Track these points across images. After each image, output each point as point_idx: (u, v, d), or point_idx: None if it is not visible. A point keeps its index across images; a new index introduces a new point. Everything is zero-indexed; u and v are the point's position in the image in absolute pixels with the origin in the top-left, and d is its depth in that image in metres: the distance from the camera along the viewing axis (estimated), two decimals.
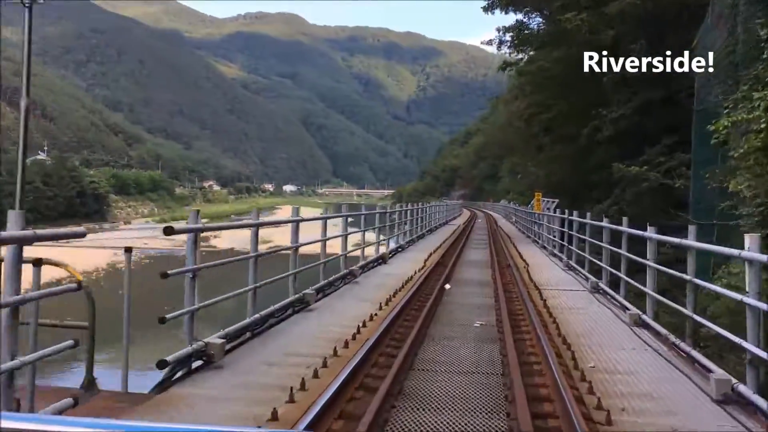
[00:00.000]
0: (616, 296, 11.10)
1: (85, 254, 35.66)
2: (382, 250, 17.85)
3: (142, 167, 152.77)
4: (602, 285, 12.41)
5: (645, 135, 22.81)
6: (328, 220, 13.02)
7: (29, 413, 3.85)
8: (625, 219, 11.68)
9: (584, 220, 15.34)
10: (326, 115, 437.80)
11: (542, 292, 12.09)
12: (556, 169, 35.25)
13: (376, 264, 16.27)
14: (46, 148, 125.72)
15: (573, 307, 10.72)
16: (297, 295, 9.67)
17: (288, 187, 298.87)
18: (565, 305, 10.83)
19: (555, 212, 21.47)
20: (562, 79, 28.60)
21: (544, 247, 22.90)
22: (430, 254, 18.98)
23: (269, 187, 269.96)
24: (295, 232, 9.95)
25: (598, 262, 13.15)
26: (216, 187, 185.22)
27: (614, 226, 12.31)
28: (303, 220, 10.32)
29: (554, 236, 20.97)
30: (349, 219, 16.13)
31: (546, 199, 32.40)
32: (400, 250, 21.11)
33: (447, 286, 12.34)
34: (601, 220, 13.27)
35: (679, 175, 18.57)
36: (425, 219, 29.74)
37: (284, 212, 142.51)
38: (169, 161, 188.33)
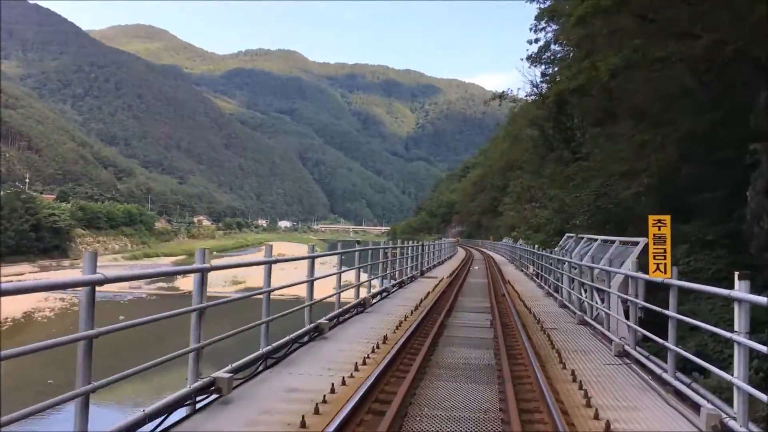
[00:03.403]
0: None
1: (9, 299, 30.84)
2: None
3: (131, 201, 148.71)
4: None
5: None
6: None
7: None
8: None
9: None
10: (324, 151, 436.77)
11: None
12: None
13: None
14: (27, 179, 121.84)
15: None
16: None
17: (283, 223, 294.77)
18: None
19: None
20: None
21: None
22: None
23: (263, 222, 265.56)
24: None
25: None
26: (206, 222, 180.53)
27: None
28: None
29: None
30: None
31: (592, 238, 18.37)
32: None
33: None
34: None
35: None
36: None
37: (276, 249, 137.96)
38: (160, 195, 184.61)
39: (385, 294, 17.29)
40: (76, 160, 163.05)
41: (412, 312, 13.52)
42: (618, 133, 25.27)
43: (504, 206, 71.51)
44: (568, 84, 26.90)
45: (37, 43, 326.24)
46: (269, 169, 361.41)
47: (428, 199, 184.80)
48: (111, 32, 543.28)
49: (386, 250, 20.99)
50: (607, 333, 10.67)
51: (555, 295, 17.56)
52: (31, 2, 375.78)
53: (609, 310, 10.90)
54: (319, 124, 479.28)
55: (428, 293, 17.72)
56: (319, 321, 10.32)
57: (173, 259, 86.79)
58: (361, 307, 13.77)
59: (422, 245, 28.33)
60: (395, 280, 20.05)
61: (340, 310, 11.84)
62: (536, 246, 24.94)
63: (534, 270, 25.23)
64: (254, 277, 56.64)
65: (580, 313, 13.11)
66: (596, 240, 17.15)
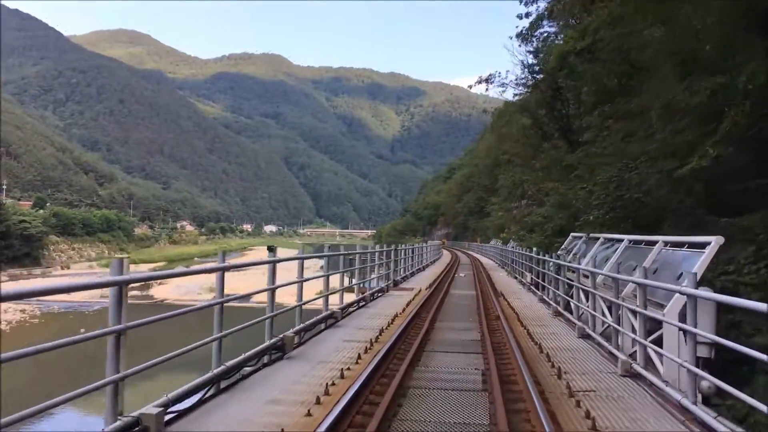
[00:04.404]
0: None
1: None
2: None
3: (113, 207, 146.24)
4: None
5: None
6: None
7: None
8: None
9: None
10: (309, 154, 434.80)
11: None
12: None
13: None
14: (5, 186, 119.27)
15: None
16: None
17: (268, 228, 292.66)
18: None
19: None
20: None
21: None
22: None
23: (247, 227, 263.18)
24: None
25: None
26: (189, 228, 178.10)
27: None
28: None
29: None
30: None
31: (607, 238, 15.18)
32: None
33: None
34: None
35: None
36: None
37: (256, 254, 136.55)
38: (142, 200, 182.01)
39: (331, 321, 12.05)
40: (56, 166, 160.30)
41: (359, 357, 8.61)
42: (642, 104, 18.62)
43: (492, 206, 68.99)
44: (574, 44, 24.03)
45: (17, 49, 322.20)
46: (254, 174, 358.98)
47: (414, 201, 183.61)
48: (93, 37, 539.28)
49: (351, 258, 16.80)
50: (671, 395, 6.49)
51: (568, 316, 13.16)
52: (11, 7, 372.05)
53: (665, 350, 7.29)
54: (304, 128, 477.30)
55: (395, 316, 13.12)
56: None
57: (152, 265, 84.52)
58: (279, 351, 8.73)
59: (395, 249, 23.39)
60: (360, 294, 15.84)
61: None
62: (534, 250, 20.49)
63: (532, 278, 20.78)
64: (233, 284, 55.00)
65: (623, 357, 8.11)
66: (620, 241, 13.17)
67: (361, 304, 15.28)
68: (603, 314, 10.17)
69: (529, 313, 14.47)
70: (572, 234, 20.27)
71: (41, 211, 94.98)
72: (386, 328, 11.45)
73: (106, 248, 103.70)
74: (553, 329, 12.05)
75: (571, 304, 12.77)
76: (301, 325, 9.97)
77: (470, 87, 42.22)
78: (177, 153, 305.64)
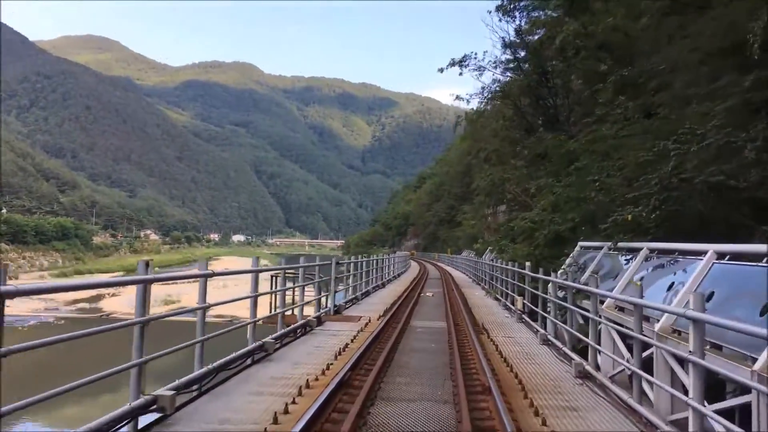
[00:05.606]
0: None
1: None
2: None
3: (74, 214, 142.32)
4: None
5: None
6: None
7: None
8: None
9: None
10: (280, 164, 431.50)
11: None
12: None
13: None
14: None
15: None
16: None
17: (237, 237, 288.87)
18: None
19: None
20: None
21: None
22: None
23: (215, 236, 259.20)
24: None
25: None
26: (153, 236, 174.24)
27: None
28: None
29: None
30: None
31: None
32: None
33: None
34: None
35: None
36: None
37: (223, 264, 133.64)
38: (106, 208, 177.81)
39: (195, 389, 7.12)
40: (15, 172, 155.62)
41: None
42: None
43: (464, 215, 66.37)
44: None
45: None
46: (223, 182, 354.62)
47: (384, 211, 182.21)
48: (61, 42, 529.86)
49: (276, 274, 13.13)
50: None
51: (608, 385, 7.68)
52: None
53: None
54: (275, 137, 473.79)
55: (299, 391, 7.24)
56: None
57: (108, 275, 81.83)
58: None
59: (336, 263, 18.14)
60: (284, 325, 11.36)
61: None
62: (528, 265, 15.76)
63: (524, 304, 15.87)
64: (193, 296, 52.81)
65: None
66: (686, 255, 8.77)
67: (254, 357, 9.26)
68: (687, 391, 5.61)
69: (535, 371, 9.00)
70: (581, 243, 16.10)
71: None
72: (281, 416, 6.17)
73: (61, 257, 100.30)
74: (592, 418, 6.55)
75: (598, 355, 8.66)
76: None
77: (441, 71, 35.69)
78: (144, 161, 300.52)
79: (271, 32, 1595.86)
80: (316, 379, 7.99)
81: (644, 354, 7.19)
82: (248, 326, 9.32)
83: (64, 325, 39.56)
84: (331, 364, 9.00)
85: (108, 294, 48.85)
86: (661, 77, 15.83)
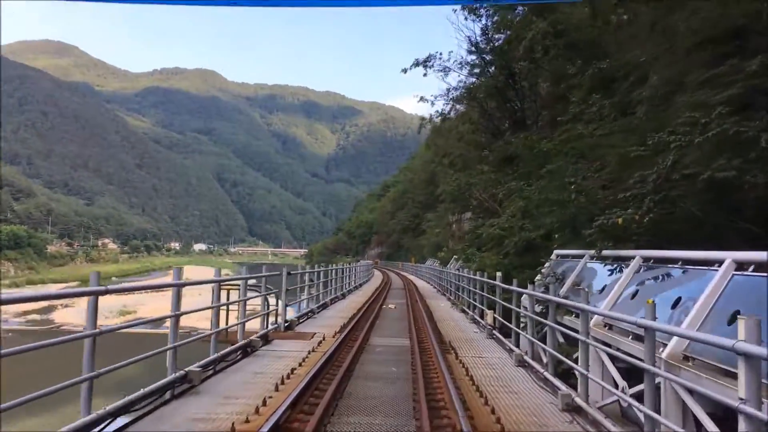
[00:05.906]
0: None
1: None
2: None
3: (29, 223, 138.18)
4: None
5: None
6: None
7: None
8: None
9: None
10: (243, 171, 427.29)
11: None
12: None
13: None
14: None
15: None
16: None
17: (198, 246, 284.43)
18: None
19: None
20: None
21: None
22: None
23: (175, 245, 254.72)
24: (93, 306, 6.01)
25: None
26: (111, 245, 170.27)
27: None
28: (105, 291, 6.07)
29: None
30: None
31: None
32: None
33: None
34: None
35: None
36: None
37: (185, 274, 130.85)
38: (62, 217, 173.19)
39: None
40: None
41: None
42: None
43: (428, 223, 65.68)
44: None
45: None
46: (184, 190, 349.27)
47: (347, 220, 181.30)
48: (18, 47, 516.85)
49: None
50: None
51: (596, 418, 6.71)
52: None
53: None
54: (238, 145, 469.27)
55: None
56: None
57: (62, 285, 79.61)
58: None
59: (288, 273, 16.20)
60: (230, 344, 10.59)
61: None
62: (499, 275, 14.52)
63: (495, 318, 14.58)
64: (151, 306, 51.60)
65: None
66: (710, 269, 7.08)
67: (174, 390, 7.67)
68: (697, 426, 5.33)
69: (514, 404, 7.74)
70: (556, 252, 15.19)
71: None
72: None
73: (13, 267, 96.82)
74: None
75: (588, 381, 7.37)
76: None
77: (404, 71, 34.94)
78: (103, 168, 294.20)
79: (234, 40, 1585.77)
80: (246, 421, 6.49)
81: (636, 387, 6.33)
82: (167, 352, 7.65)
83: (12, 337, 37.91)
84: (270, 397, 7.59)
85: (60, 305, 47.09)
86: (641, 69, 15.11)
